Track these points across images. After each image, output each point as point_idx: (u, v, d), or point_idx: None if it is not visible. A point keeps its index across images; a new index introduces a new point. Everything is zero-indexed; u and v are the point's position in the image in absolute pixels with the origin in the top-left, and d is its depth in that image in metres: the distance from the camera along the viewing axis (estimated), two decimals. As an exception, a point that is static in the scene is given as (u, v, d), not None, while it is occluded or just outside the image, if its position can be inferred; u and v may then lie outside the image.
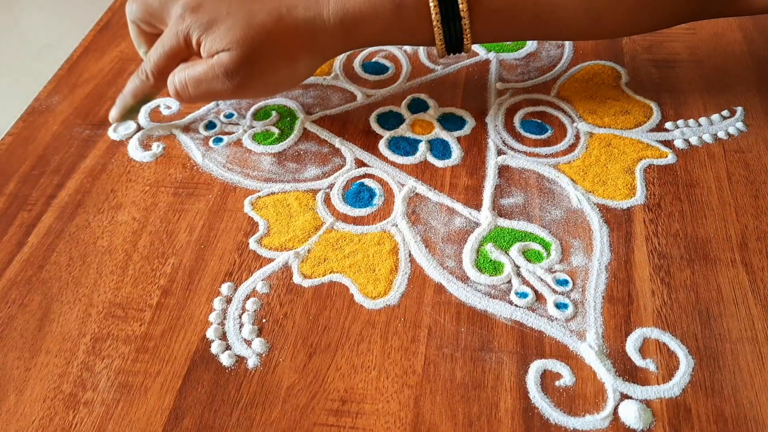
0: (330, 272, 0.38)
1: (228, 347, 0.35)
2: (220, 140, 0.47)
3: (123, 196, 0.43)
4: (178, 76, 0.42)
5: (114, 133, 0.48)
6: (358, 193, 0.43)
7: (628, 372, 0.33)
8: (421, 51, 0.53)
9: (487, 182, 0.43)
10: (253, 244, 0.40)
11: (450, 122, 0.47)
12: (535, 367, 0.34)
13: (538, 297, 0.37)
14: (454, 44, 0.43)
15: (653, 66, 0.50)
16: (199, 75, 0.41)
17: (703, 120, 0.46)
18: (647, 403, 0.32)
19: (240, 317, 0.36)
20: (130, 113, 0.47)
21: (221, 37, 0.40)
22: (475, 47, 0.53)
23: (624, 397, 0.32)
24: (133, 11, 0.45)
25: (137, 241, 0.41)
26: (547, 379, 0.33)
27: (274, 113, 0.49)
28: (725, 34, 0.53)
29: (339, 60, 0.53)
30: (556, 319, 0.36)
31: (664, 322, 0.35)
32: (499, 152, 0.45)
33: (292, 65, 0.42)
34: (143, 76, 0.44)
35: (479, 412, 0.32)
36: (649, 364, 0.33)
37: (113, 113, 0.47)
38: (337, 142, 0.46)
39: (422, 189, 0.43)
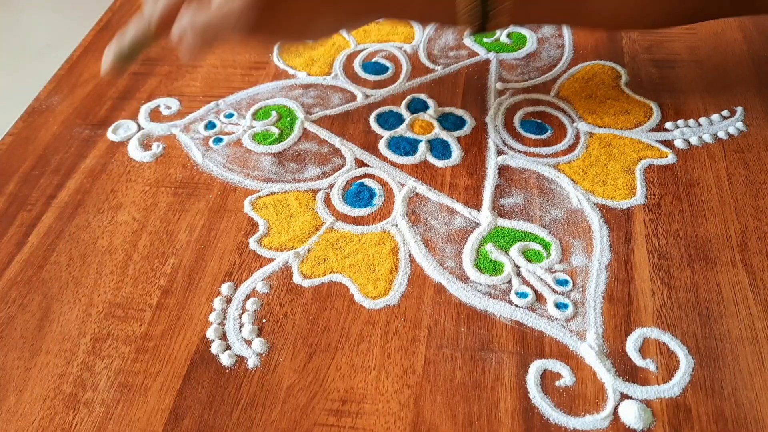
0: (330, 272, 0.38)
1: (228, 347, 0.35)
2: (220, 140, 0.47)
3: (123, 196, 0.43)
4: (186, 20, 0.38)
5: (114, 134, 0.48)
6: (358, 193, 0.43)
7: (628, 372, 0.33)
8: (422, 51, 0.53)
9: (487, 182, 0.43)
10: (253, 244, 0.40)
11: (450, 122, 0.47)
12: (535, 367, 0.34)
13: (538, 297, 0.37)
14: (483, 21, 0.40)
15: (653, 66, 0.50)
16: (209, 17, 0.37)
17: (703, 120, 0.46)
18: (647, 403, 0.32)
19: (240, 317, 0.36)
20: (124, 61, 0.41)
21: None
22: (475, 47, 0.53)
23: (624, 397, 0.32)
24: None
25: (137, 241, 0.41)
26: (547, 379, 0.33)
27: (274, 113, 0.49)
28: (725, 34, 0.53)
29: (339, 60, 0.53)
30: (556, 319, 0.36)
31: (664, 322, 0.35)
32: (499, 152, 0.45)
33: (312, 14, 0.39)
34: (144, 24, 0.40)
35: (479, 412, 0.32)
36: (649, 364, 0.33)
37: (105, 62, 0.41)
38: (337, 142, 0.46)
39: (422, 189, 0.43)
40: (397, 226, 0.41)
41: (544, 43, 0.53)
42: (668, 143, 0.45)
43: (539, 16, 0.43)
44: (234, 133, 0.47)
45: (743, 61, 0.50)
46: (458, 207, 0.41)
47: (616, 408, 0.32)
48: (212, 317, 0.36)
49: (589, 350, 0.34)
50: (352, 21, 0.42)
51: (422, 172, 0.44)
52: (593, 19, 0.44)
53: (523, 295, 0.36)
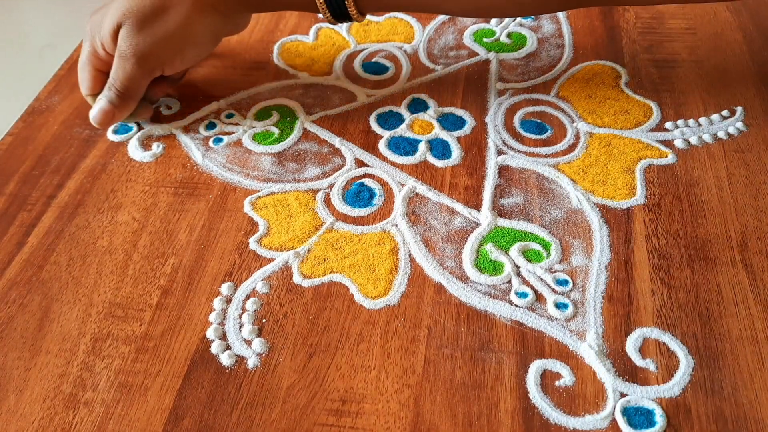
0: (330, 272, 0.38)
1: (228, 347, 0.35)
2: (220, 140, 0.47)
3: (123, 196, 0.43)
4: (105, 91, 0.45)
5: (114, 135, 0.48)
6: (358, 193, 0.43)
7: (628, 372, 0.33)
8: (421, 51, 0.53)
9: (487, 182, 0.43)
10: (253, 244, 0.40)
11: (450, 122, 0.47)
12: (535, 367, 0.34)
13: (538, 297, 0.37)
14: (338, 11, 0.44)
15: (653, 66, 0.50)
16: (115, 70, 0.44)
17: (703, 120, 0.46)
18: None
19: (240, 317, 0.36)
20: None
21: (111, 21, 0.43)
22: (476, 47, 0.53)
23: (623, 396, 0.32)
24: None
25: (137, 241, 0.41)
26: (547, 379, 0.33)
27: (274, 113, 0.49)
28: (725, 34, 0.53)
29: (339, 60, 0.53)
30: (556, 319, 0.36)
31: (664, 322, 0.35)
32: (499, 152, 0.45)
33: (184, 21, 0.44)
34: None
35: (479, 412, 0.32)
36: (649, 364, 0.33)
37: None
38: (337, 142, 0.46)
39: (422, 189, 0.43)
40: (397, 226, 0.41)
41: (544, 43, 0.53)
42: (668, 143, 0.45)
43: (399, 5, 0.49)
44: (234, 133, 0.47)
45: (743, 61, 0.50)
46: (458, 207, 0.41)
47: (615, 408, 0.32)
48: (212, 317, 0.36)
49: (589, 350, 0.34)
50: (234, 22, 0.47)
51: (422, 172, 0.44)
52: (447, 9, 0.47)
53: (523, 295, 0.36)
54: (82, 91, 0.47)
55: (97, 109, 0.45)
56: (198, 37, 0.45)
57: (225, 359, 0.35)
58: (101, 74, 0.46)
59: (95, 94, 0.47)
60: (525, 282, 0.37)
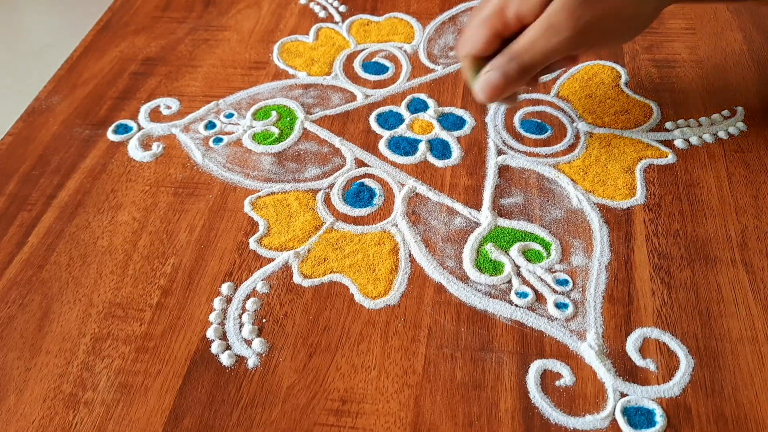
0: (330, 272, 0.38)
1: (228, 347, 0.35)
2: (220, 140, 0.47)
3: (123, 196, 0.43)
4: (504, 63, 0.37)
5: (114, 134, 0.48)
6: (358, 193, 0.43)
7: (628, 372, 0.33)
8: (421, 51, 0.53)
9: (487, 182, 0.43)
10: (253, 244, 0.40)
11: (450, 122, 0.47)
12: (535, 367, 0.34)
13: (538, 297, 0.37)
14: None
15: (653, 66, 0.50)
16: (531, 41, 0.36)
17: (703, 120, 0.46)
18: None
19: (240, 317, 0.36)
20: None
21: None
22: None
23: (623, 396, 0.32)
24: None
25: (137, 241, 0.41)
26: (547, 379, 0.33)
27: (274, 113, 0.49)
28: (725, 34, 0.53)
29: (339, 60, 0.53)
30: (556, 319, 0.36)
31: (664, 322, 0.35)
32: (499, 152, 0.45)
33: (637, 6, 0.36)
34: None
35: (479, 412, 0.32)
36: (649, 364, 0.33)
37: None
38: (337, 142, 0.46)
39: (422, 189, 0.43)
40: (397, 226, 0.41)
41: (544, 43, 0.53)
42: (668, 143, 0.45)
43: None
44: (234, 133, 0.47)
45: (743, 61, 0.50)
46: (458, 207, 0.41)
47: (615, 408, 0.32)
48: (212, 317, 0.36)
49: (589, 350, 0.34)
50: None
51: (422, 172, 0.44)
52: None
53: (523, 295, 0.36)
54: (462, 51, 0.39)
55: (486, 83, 0.38)
56: (647, 9, 0.37)
57: (225, 359, 0.35)
58: (497, 39, 0.38)
59: (480, 59, 0.39)
60: (525, 282, 0.37)
